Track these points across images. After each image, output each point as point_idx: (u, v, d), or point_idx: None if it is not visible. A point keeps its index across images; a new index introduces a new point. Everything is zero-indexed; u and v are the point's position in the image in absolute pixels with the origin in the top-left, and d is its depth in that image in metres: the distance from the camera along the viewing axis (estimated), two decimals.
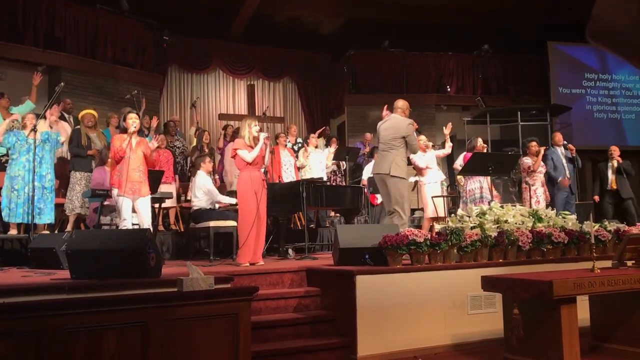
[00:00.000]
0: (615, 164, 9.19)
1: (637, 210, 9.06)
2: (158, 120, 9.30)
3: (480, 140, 8.05)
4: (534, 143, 8.06)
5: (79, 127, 7.73)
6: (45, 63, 9.73)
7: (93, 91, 9.65)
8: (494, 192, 8.07)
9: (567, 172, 8.55)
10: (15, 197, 6.50)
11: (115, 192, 5.68)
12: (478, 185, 7.60)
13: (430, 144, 8.04)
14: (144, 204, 5.81)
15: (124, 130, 5.79)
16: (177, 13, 11.90)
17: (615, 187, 9.11)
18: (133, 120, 5.78)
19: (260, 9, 12.23)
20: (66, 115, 8.33)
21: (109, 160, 7.13)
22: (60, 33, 9.97)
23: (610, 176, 9.14)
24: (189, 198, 8.56)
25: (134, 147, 5.76)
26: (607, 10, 1.23)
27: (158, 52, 11.56)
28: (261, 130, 5.84)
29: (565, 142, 8.77)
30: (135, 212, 5.79)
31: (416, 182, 8.20)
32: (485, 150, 8.13)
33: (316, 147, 9.39)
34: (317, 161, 9.08)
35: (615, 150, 9.35)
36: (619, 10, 1.21)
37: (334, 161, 9.60)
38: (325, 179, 8.87)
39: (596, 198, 9.30)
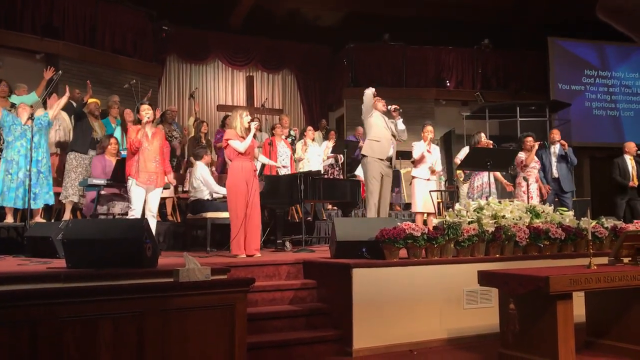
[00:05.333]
0: (635, 160, 9.04)
1: None
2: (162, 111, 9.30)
3: (483, 136, 8.02)
4: (529, 138, 8.03)
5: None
6: (44, 51, 9.71)
7: (91, 80, 9.56)
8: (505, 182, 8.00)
9: (555, 171, 8.48)
10: (8, 181, 6.49)
11: (130, 181, 5.74)
12: (486, 180, 7.55)
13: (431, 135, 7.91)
14: (155, 195, 5.89)
15: (139, 122, 5.87)
16: (176, 3, 11.86)
17: (637, 183, 8.99)
18: (146, 112, 5.81)
19: (259, 1, 12.17)
20: (74, 104, 8.28)
21: (109, 148, 7.13)
22: (59, 21, 9.92)
23: (632, 172, 9.02)
24: (185, 189, 8.55)
25: (150, 137, 5.80)
26: None
27: (157, 42, 11.51)
28: (252, 120, 5.83)
29: (557, 139, 8.61)
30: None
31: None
32: (490, 146, 8.04)
33: (313, 139, 9.36)
34: (315, 154, 9.04)
35: (634, 146, 9.18)
36: None
37: (332, 154, 9.58)
38: (322, 172, 8.83)
39: (635, 182, 8.93)
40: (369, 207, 6.47)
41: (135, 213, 5.69)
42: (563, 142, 8.50)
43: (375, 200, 6.40)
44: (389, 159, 6.56)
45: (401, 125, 6.75)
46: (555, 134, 8.64)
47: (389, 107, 6.70)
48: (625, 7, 1.22)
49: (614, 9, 1.24)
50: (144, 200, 5.80)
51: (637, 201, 8.94)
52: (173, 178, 6.29)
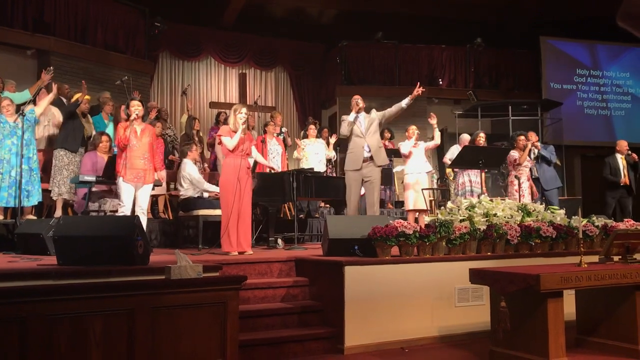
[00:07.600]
0: (625, 159, 9.12)
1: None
2: (157, 108, 9.23)
3: (482, 135, 8.14)
4: (522, 137, 8.11)
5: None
6: (35, 47, 9.62)
7: (83, 76, 9.49)
8: (484, 187, 8.08)
9: (535, 171, 8.55)
10: (0, 181, 6.43)
11: (119, 179, 5.68)
12: (467, 178, 7.70)
13: (417, 132, 7.90)
14: (145, 191, 5.83)
15: (128, 118, 5.80)
16: None
17: (628, 182, 9.06)
18: (135, 108, 5.75)
19: None
20: (64, 100, 8.20)
21: (100, 145, 7.08)
22: (50, 17, 9.83)
23: (623, 170, 9.10)
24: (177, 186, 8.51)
25: (139, 134, 5.74)
26: None
27: (149, 38, 11.46)
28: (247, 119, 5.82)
29: (532, 141, 8.59)
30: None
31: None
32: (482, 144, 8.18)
33: (316, 137, 9.27)
34: (314, 152, 8.98)
35: (625, 145, 9.26)
36: None
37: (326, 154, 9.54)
38: (323, 169, 8.79)
39: (626, 181, 9.00)
40: (347, 212, 6.59)
41: (125, 210, 5.63)
42: (536, 143, 8.56)
43: (352, 207, 6.43)
44: (369, 158, 6.46)
45: (374, 114, 6.57)
46: (531, 136, 8.65)
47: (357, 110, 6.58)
48: None
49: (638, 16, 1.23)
50: (134, 197, 5.75)
51: (627, 199, 9.03)
52: (163, 175, 6.22)
